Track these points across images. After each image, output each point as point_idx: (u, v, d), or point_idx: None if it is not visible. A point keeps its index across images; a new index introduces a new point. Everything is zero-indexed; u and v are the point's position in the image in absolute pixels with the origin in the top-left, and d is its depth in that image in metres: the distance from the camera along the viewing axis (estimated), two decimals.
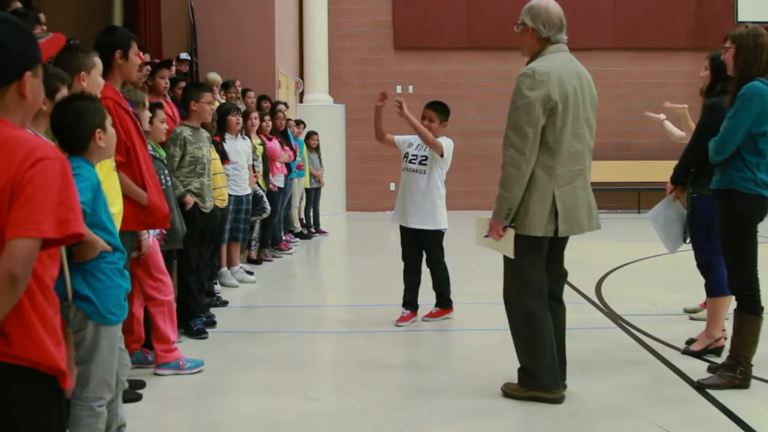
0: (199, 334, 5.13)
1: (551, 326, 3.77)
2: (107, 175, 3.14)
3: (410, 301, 5.58)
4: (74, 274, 2.72)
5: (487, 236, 3.76)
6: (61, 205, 1.68)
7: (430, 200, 5.45)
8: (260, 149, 7.66)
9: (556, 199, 3.64)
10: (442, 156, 5.42)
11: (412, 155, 5.52)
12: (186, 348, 4.62)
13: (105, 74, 3.59)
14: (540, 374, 3.74)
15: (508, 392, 3.88)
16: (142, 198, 3.57)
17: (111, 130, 2.91)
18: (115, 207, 3.16)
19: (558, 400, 3.77)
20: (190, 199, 5.14)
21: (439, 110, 5.52)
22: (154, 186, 3.68)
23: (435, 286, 5.65)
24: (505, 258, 3.78)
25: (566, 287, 4.10)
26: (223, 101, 7.70)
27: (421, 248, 5.58)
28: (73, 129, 2.80)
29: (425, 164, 5.46)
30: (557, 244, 3.85)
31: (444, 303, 5.66)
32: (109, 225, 2.81)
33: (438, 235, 5.55)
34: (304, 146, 10.13)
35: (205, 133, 5.43)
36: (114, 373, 2.85)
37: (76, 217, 1.71)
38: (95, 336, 2.76)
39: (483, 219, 3.84)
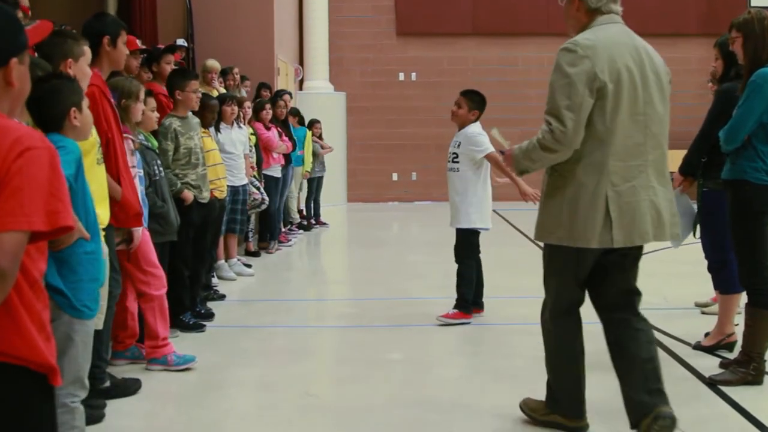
0: (198, 328, 5.04)
1: (580, 352, 3.38)
2: (90, 168, 3.03)
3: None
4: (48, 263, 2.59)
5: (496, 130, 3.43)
6: (51, 197, 1.63)
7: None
8: (253, 139, 7.52)
9: (609, 201, 3.04)
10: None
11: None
12: (184, 343, 4.53)
13: (92, 61, 3.54)
14: (561, 399, 3.42)
15: (527, 411, 3.54)
16: (116, 192, 3.51)
17: (87, 111, 2.86)
18: (99, 207, 3.04)
19: (580, 429, 3.37)
20: (189, 195, 5.00)
21: (470, 98, 5.44)
22: (129, 182, 3.63)
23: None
24: (544, 270, 3.36)
25: None
26: (222, 89, 7.55)
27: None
28: (48, 106, 2.75)
29: (457, 161, 5.36)
30: (621, 257, 3.24)
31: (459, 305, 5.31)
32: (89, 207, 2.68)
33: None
34: (308, 133, 9.93)
35: (194, 120, 5.25)
36: (87, 370, 2.74)
37: (65, 208, 1.66)
38: (68, 330, 2.63)
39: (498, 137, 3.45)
